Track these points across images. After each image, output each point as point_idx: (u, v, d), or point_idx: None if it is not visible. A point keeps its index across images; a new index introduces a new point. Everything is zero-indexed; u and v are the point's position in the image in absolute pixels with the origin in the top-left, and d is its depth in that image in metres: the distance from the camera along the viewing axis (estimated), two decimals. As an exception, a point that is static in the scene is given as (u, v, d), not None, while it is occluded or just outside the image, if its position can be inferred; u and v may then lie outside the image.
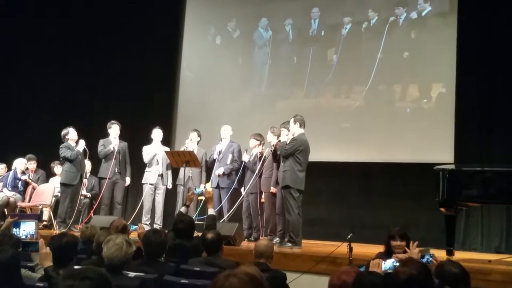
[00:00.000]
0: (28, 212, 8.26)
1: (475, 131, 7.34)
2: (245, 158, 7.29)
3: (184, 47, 9.82)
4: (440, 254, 4.67)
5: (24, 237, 4.67)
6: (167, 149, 8.03)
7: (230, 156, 7.49)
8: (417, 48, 7.89)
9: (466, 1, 7.54)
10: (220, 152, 7.54)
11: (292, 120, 6.52)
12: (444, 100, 7.63)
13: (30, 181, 8.67)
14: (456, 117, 7.40)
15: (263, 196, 7.10)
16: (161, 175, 7.88)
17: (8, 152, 9.20)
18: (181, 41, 9.84)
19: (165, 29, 9.79)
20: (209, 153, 7.78)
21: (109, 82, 10.09)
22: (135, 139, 8.66)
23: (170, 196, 8.07)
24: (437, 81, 7.74)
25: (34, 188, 8.60)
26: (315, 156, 6.74)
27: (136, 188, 8.63)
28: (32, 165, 8.80)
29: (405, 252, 4.00)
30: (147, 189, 7.85)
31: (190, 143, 7.76)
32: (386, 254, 4.14)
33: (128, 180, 8.12)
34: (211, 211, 5.26)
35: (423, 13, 7.90)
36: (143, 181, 7.95)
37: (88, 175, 8.39)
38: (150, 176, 7.88)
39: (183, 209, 5.37)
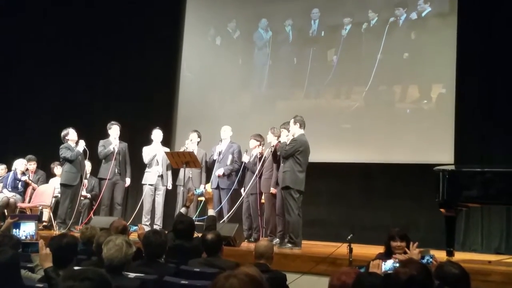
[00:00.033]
0: (28, 213, 8.26)
1: (475, 132, 7.34)
2: (245, 158, 7.29)
3: (184, 48, 9.82)
4: (440, 255, 4.68)
5: (24, 238, 4.65)
6: (167, 149, 8.03)
7: (230, 156, 7.49)
8: (417, 49, 7.89)
9: (466, 1, 7.53)
10: (220, 153, 7.53)
11: (292, 121, 6.51)
12: (444, 100, 7.63)
13: (30, 181, 8.65)
14: (456, 118, 7.39)
15: (263, 197, 7.09)
16: (161, 176, 7.88)
17: (8, 153, 9.20)
18: (181, 42, 9.84)
19: (165, 29, 9.78)
20: (209, 154, 7.78)
21: (109, 82, 10.09)
22: (135, 139, 8.65)
23: (170, 196, 8.07)
24: (437, 82, 7.74)
25: (34, 189, 8.59)
26: (315, 156, 6.74)
27: (136, 188, 8.62)
28: (32, 165, 8.79)
29: (405, 253, 3.99)
30: (147, 190, 7.85)
31: (190, 143, 7.75)
32: (386, 255, 4.13)
33: (128, 181, 8.11)
34: (211, 212, 5.25)
35: (423, 14, 7.90)
36: (143, 182, 7.94)
37: (88, 175, 8.37)
38: (150, 177, 7.88)
39: (183, 210, 5.37)
